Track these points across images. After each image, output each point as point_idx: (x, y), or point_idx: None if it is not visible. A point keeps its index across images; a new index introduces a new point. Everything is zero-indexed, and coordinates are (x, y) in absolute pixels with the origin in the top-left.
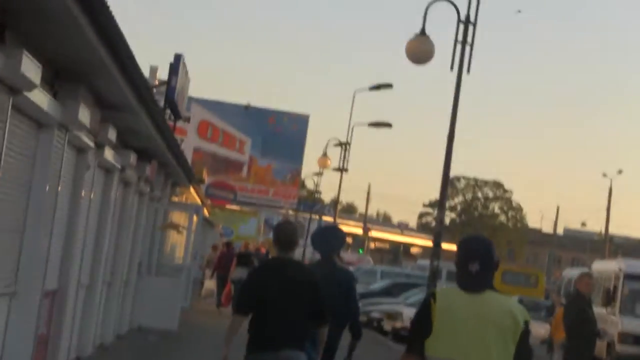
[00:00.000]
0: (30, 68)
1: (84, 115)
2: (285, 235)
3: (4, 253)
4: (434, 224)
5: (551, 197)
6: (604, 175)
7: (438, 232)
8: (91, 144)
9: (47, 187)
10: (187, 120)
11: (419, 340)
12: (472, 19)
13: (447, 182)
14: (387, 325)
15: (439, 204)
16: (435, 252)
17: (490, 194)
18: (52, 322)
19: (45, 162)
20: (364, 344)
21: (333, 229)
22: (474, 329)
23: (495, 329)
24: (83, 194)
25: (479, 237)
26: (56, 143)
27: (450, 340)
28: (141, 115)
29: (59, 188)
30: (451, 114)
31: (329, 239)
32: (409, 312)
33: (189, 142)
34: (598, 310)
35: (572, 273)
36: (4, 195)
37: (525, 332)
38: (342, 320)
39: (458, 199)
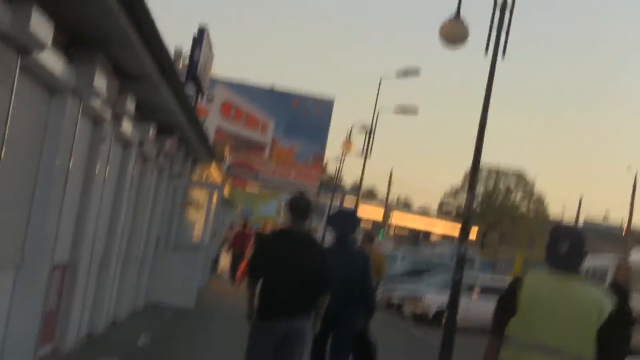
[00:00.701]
0: (41, 26)
1: (101, 83)
2: (298, 205)
3: (9, 225)
4: (454, 211)
5: (574, 189)
6: (629, 167)
7: (467, 217)
8: (108, 114)
9: (58, 158)
10: (211, 99)
11: (503, 322)
12: (508, 3)
13: (478, 167)
14: (407, 309)
15: (469, 188)
16: (462, 237)
17: (512, 184)
18: (62, 298)
19: (58, 131)
20: (384, 327)
21: (349, 212)
22: (557, 313)
23: (579, 312)
24: (98, 167)
25: (573, 227)
26: (69, 111)
27: (532, 323)
28: (162, 87)
29: (72, 160)
30: (484, 100)
31: (345, 221)
32: (429, 297)
33: (212, 122)
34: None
35: (588, 262)
36: (10, 164)
37: (612, 318)
38: (358, 298)
39: (479, 189)
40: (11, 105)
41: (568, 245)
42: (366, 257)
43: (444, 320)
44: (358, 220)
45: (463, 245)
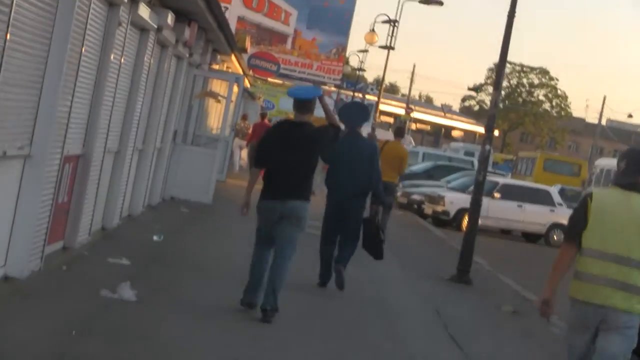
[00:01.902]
0: None
1: None
2: (299, 99)
3: (16, 112)
4: (477, 107)
5: (598, 88)
6: None
7: (492, 115)
8: None
9: (70, 42)
10: None
11: (576, 233)
12: None
13: (505, 62)
14: (428, 209)
15: (495, 85)
16: (488, 136)
17: (536, 81)
18: (74, 191)
19: (69, 12)
20: (403, 227)
21: (359, 105)
22: (619, 224)
23: (637, 224)
24: (113, 52)
25: (637, 148)
26: None
27: (601, 234)
28: None
29: (84, 44)
30: None
31: (355, 114)
32: (450, 196)
33: (234, 11)
34: None
35: (605, 162)
36: (16, 45)
37: None
38: (366, 186)
39: (503, 84)
40: None
41: (625, 162)
42: (375, 146)
43: (464, 221)
44: (368, 113)
45: (487, 145)
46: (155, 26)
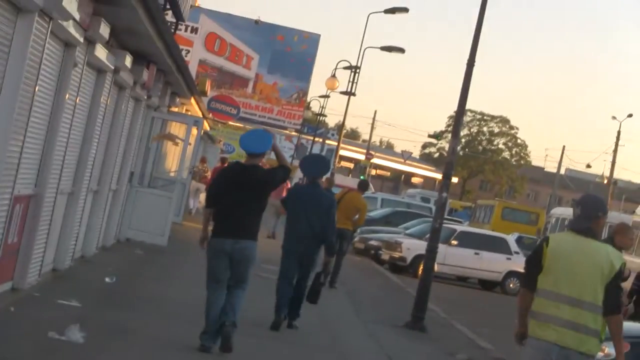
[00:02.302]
0: None
1: (70, 3)
2: (247, 150)
3: None
4: (437, 154)
5: (557, 138)
6: (614, 118)
7: (450, 162)
8: (80, 38)
9: (23, 82)
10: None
11: (533, 277)
12: None
13: (463, 110)
14: (385, 255)
15: (453, 132)
16: (445, 183)
17: (496, 129)
18: (24, 231)
19: (23, 53)
20: (361, 273)
21: (320, 157)
22: (573, 267)
23: (593, 267)
24: (68, 93)
25: (591, 195)
26: (37, 32)
27: (555, 276)
28: (139, 12)
29: (38, 84)
30: (473, 39)
31: (316, 165)
32: (408, 243)
33: (195, 54)
34: None
35: (560, 212)
36: None
37: (619, 273)
38: (321, 235)
39: (463, 132)
40: None
41: (580, 209)
42: (332, 198)
43: (421, 268)
44: (328, 165)
45: (444, 192)
46: (113, 67)
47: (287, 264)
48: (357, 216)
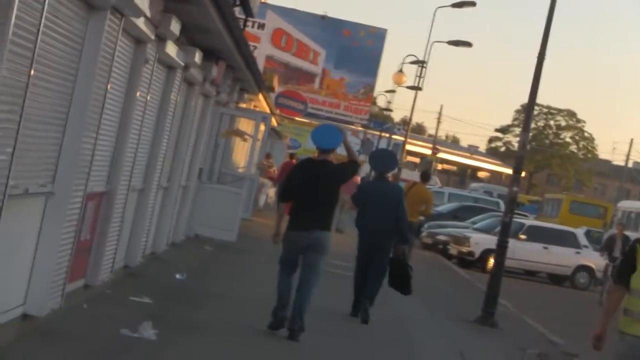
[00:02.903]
0: None
1: (142, 0)
2: (319, 147)
3: (40, 147)
4: (503, 149)
5: (625, 131)
6: None
7: (520, 157)
8: (151, 35)
9: (96, 79)
10: (261, 27)
11: (625, 276)
12: None
13: (534, 104)
14: (453, 250)
15: (523, 126)
16: (515, 177)
17: (563, 123)
18: (96, 229)
19: (95, 50)
20: (429, 267)
21: (388, 152)
22: None
23: None
24: (139, 90)
25: None
26: (109, 29)
27: None
28: (209, 8)
29: (110, 81)
30: (543, 33)
31: (384, 160)
32: (476, 237)
33: (262, 50)
34: None
35: (627, 205)
36: (42, 81)
37: None
38: (393, 226)
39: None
40: (42, 19)
41: None
42: (400, 189)
43: (489, 262)
44: (396, 160)
45: (515, 186)
46: (183, 64)
47: (362, 260)
48: (423, 207)
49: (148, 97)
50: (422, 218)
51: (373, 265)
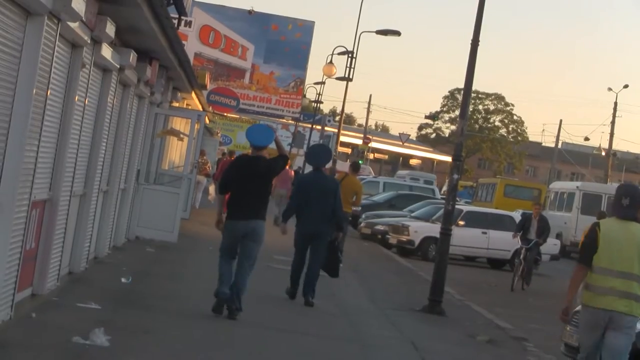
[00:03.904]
0: None
1: (79, 4)
2: (252, 144)
3: None
4: (433, 135)
5: (554, 113)
6: (609, 89)
7: (460, 143)
8: (87, 38)
9: (36, 86)
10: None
11: (589, 256)
12: None
13: (470, 90)
14: (392, 239)
15: (461, 113)
16: (455, 165)
17: (492, 107)
18: (41, 235)
19: (34, 56)
20: (370, 258)
21: (323, 147)
22: (622, 247)
23: (637, 247)
24: (77, 94)
25: (632, 184)
26: (47, 34)
27: (609, 255)
28: (143, 8)
29: (49, 87)
30: (476, 18)
31: (319, 155)
32: (415, 226)
33: (191, 47)
34: None
35: (559, 186)
36: None
37: None
38: (331, 216)
39: (458, 111)
40: None
41: (629, 200)
42: (336, 182)
43: (430, 250)
44: (331, 154)
45: (455, 173)
46: (118, 66)
47: (301, 245)
48: (354, 198)
49: (86, 101)
50: (357, 208)
51: (312, 250)
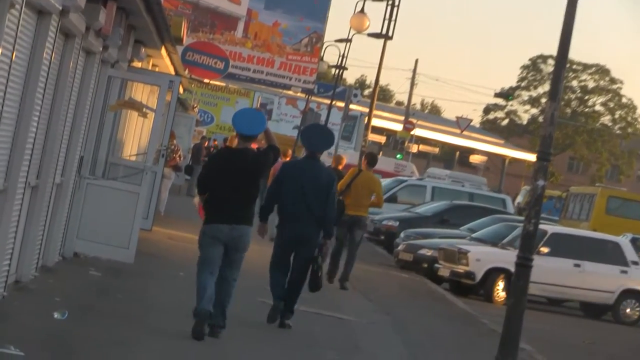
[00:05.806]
0: None
1: None
2: (240, 132)
3: None
4: (505, 121)
5: None
6: None
7: (548, 136)
8: None
9: None
10: None
11: None
12: None
13: (566, 58)
14: (444, 270)
15: (551, 92)
16: (541, 166)
17: (592, 84)
18: None
19: None
20: (410, 295)
21: (323, 128)
22: None
23: None
24: (2, 46)
25: None
26: None
27: None
28: None
29: None
30: None
31: (317, 138)
32: (476, 252)
33: None
34: None
35: None
36: None
37: None
38: (320, 218)
39: (543, 88)
40: None
41: None
42: (333, 175)
43: (497, 288)
44: (332, 139)
45: (541, 179)
46: (60, 7)
47: (280, 251)
48: (373, 198)
49: (13, 57)
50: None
51: (297, 259)
